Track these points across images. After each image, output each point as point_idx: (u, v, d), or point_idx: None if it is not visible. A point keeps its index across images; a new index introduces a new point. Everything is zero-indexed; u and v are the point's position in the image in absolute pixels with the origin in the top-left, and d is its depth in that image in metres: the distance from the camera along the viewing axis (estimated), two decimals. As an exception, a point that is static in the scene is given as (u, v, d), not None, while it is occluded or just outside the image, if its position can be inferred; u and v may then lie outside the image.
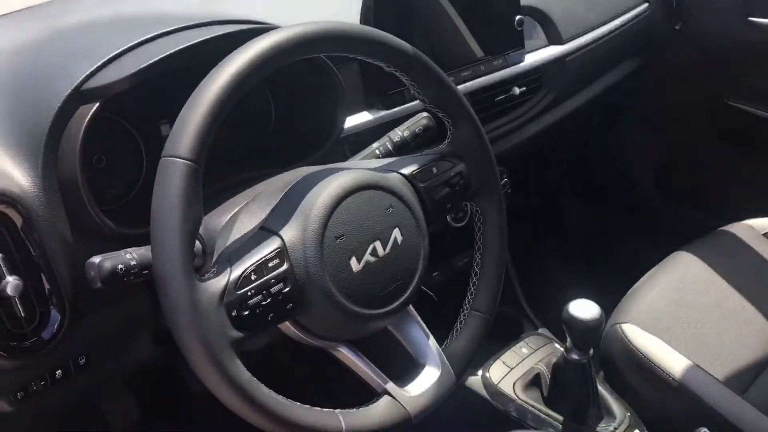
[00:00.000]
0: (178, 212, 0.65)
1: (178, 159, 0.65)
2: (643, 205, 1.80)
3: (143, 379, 1.31)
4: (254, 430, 1.37)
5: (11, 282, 0.73)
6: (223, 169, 0.94)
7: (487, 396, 1.21)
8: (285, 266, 0.72)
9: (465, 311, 0.90)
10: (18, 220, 0.75)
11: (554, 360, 1.16)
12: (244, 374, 0.68)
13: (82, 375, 0.88)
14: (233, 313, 0.68)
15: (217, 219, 0.82)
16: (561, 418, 1.14)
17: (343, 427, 0.74)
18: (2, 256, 0.73)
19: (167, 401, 1.41)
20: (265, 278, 0.71)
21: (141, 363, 0.99)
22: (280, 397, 0.71)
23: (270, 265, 0.71)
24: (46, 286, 0.77)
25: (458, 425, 1.09)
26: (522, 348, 1.28)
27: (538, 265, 1.68)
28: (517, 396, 1.19)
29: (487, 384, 1.22)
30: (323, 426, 0.72)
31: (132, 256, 0.73)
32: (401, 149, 0.96)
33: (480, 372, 1.24)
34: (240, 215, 0.80)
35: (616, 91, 1.59)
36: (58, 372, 0.85)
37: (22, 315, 0.75)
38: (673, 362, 1.13)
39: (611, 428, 1.12)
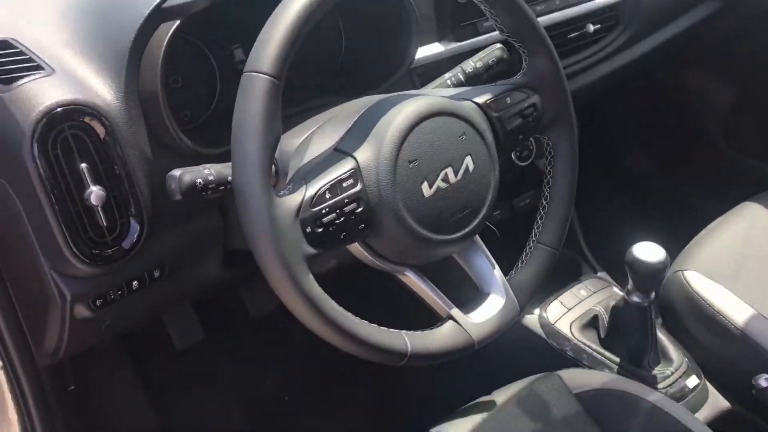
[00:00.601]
0: (260, 126, 0.66)
1: (260, 74, 0.66)
2: (710, 155, 1.75)
3: (207, 301, 1.36)
4: (305, 359, 1.42)
5: (95, 192, 0.76)
6: (293, 95, 0.94)
7: (543, 334, 1.22)
8: (358, 187, 0.73)
9: (531, 244, 0.90)
10: (101, 132, 0.77)
11: (613, 303, 1.16)
12: (317, 289, 0.70)
13: (155, 288, 0.91)
14: (307, 230, 0.70)
15: (289, 141, 0.83)
16: (617, 359, 1.14)
17: (409, 348, 0.75)
18: (86, 167, 0.76)
19: (227, 325, 1.46)
20: (339, 197, 0.72)
21: (209, 283, 1.02)
22: (349, 314, 0.72)
23: (344, 185, 0.72)
24: (127, 197, 0.79)
25: (513, 362, 1.10)
26: (580, 290, 1.28)
27: (599, 209, 1.66)
28: (574, 336, 1.19)
29: (544, 323, 1.23)
30: (390, 345, 0.74)
31: (210, 171, 0.74)
32: (472, 80, 0.95)
33: (537, 311, 1.25)
34: (313, 138, 0.81)
35: (690, 35, 1.53)
36: (135, 283, 0.88)
37: (104, 224, 0.78)
38: (736, 310, 1.11)
39: (668, 372, 1.12)
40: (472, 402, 0.99)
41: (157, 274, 0.90)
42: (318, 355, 1.51)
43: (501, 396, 0.99)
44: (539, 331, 1.22)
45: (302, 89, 0.98)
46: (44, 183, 0.74)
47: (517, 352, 1.21)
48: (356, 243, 0.77)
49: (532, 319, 1.24)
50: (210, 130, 0.94)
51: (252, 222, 0.66)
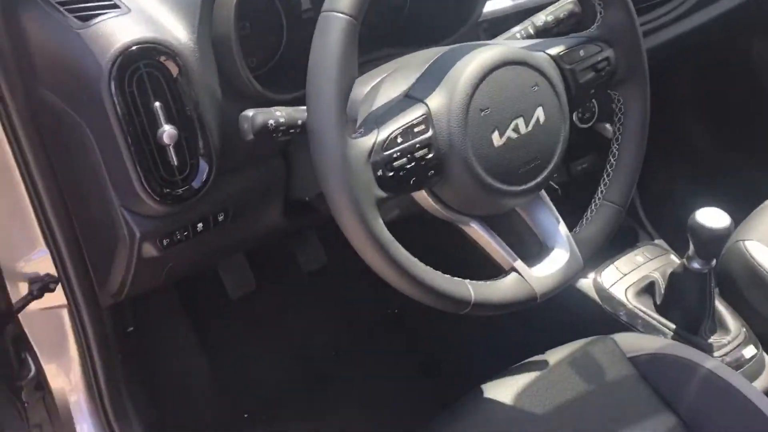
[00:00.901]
0: (337, 66, 0.66)
1: (339, 14, 0.66)
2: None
3: (260, 254, 1.39)
4: (353, 314, 1.43)
5: (168, 131, 0.77)
6: (361, 44, 0.94)
7: (597, 299, 1.21)
8: (429, 133, 0.73)
9: (597, 201, 0.89)
10: (174, 71, 0.78)
11: (671, 270, 1.14)
12: (386, 232, 0.70)
13: (218, 232, 0.93)
14: (378, 173, 0.70)
15: (358, 88, 0.82)
16: (672, 326, 1.13)
17: (472, 297, 0.75)
18: (160, 105, 0.77)
19: (279, 278, 1.48)
20: (410, 142, 0.71)
21: (268, 230, 1.03)
22: (416, 260, 0.73)
23: (415, 130, 0.72)
24: (197, 137, 0.80)
25: (566, 325, 1.10)
26: (637, 256, 1.26)
27: (657, 176, 1.63)
28: (629, 301, 1.18)
29: (599, 287, 1.22)
30: (454, 292, 0.74)
31: (281, 113, 0.75)
32: (542, 35, 0.93)
33: (591, 275, 1.24)
34: (383, 84, 0.80)
35: (760, 2, 1.48)
36: (200, 225, 0.90)
37: (175, 164, 0.79)
38: (798, 281, 1.09)
39: (724, 341, 1.10)
40: (525, 361, 1.00)
41: (221, 217, 0.92)
42: (366, 310, 1.53)
43: (554, 356, 0.99)
44: (593, 295, 1.21)
45: (366, 40, 0.98)
46: (120, 120, 0.75)
47: (570, 315, 1.20)
48: (423, 190, 0.77)
49: (586, 283, 1.23)
50: (275, 77, 0.94)
51: (325, 162, 0.67)
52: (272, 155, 0.93)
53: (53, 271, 1.00)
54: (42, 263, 0.99)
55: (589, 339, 1.00)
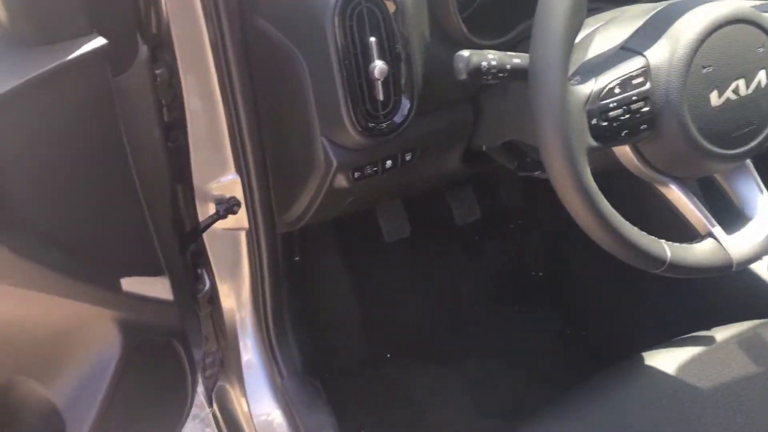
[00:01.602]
0: (569, 11, 0.66)
1: None
2: None
3: (417, 203, 1.42)
4: (498, 272, 1.42)
5: (379, 66, 0.80)
6: None
7: (770, 280, 1.16)
8: (647, 86, 0.72)
9: None
10: (391, 9, 0.80)
11: None
12: (592, 181, 0.70)
13: (402, 170, 0.96)
14: (593, 122, 0.70)
15: None
16: None
17: (668, 257, 0.74)
18: (375, 41, 0.80)
19: (432, 228, 1.51)
20: (627, 94, 0.71)
21: (445, 175, 1.06)
22: (617, 214, 0.73)
23: (634, 82, 0.71)
24: (402, 75, 0.83)
25: (734, 304, 1.06)
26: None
27: None
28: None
29: (773, 269, 1.17)
30: (651, 250, 0.74)
31: (493, 56, 0.76)
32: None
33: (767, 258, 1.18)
34: (596, 35, 0.79)
35: None
36: (389, 162, 0.93)
37: (381, 98, 0.82)
38: None
39: None
40: (690, 334, 0.97)
41: (408, 156, 0.95)
42: (512, 268, 1.54)
43: (721, 334, 0.96)
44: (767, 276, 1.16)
45: None
46: (339, 52, 0.79)
47: (740, 294, 1.16)
48: (627, 146, 0.76)
49: (761, 266, 1.18)
50: (477, 22, 0.95)
51: (545, 106, 0.67)
52: (463, 101, 0.95)
53: (239, 195, 1.07)
54: (230, 186, 1.06)
55: (762, 321, 0.96)
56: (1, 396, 0.89)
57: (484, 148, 1.01)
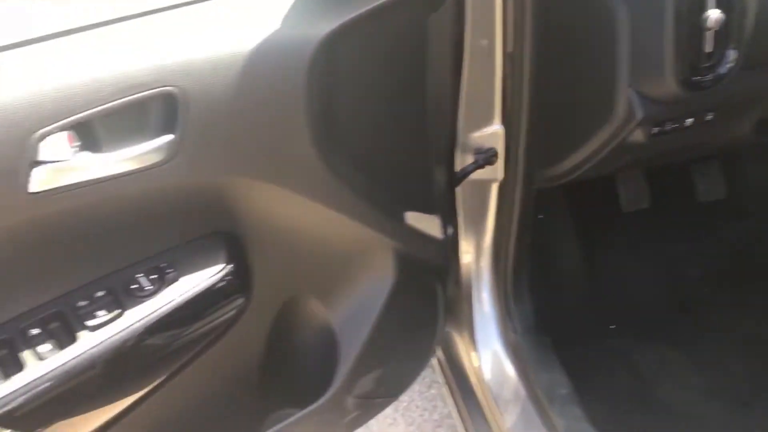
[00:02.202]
0: None
1: None
2: None
3: (659, 176, 1.36)
4: (730, 258, 1.32)
5: (713, 15, 0.76)
6: None
7: None
8: None
9: None
10: None
11: None
12: None
13: (698, 130, 0.92)
14: None
15: None
16: None
17: None
18: None
19: (671, 203, 1.45)
20: None
21: (730, 141, 1.00)
22: None
23: None
24: (735, 25, 0.78)
25: None
26: None
27: None
28: None
29: None
30: None
31: None
32: None
33: None
34: None
35: None
36: (689, 120, 0.89)
37: (708, 50, 0.79)
38: None
39: None
40: None
41: (708, 117, 0.90)
42: (747, 255, 1.45)
43: None
44: None
45: None
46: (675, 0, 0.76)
47: None
48: None
49: None
50: None
51: None
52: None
53: (498, 146, 1.06)
54: (489, 137, 1.05)
55: None
56: (287, 310, 0.95)
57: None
